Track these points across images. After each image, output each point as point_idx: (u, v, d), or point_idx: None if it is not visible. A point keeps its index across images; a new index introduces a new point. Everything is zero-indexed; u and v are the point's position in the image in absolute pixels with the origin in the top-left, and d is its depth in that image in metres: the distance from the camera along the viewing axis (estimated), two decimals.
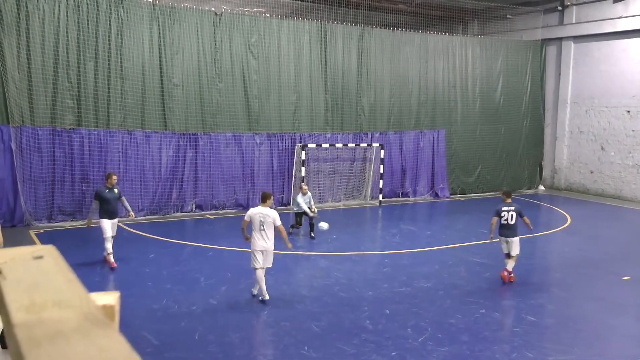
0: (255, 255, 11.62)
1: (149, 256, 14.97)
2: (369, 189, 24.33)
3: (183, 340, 9.91)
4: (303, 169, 21.95)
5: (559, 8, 29.25)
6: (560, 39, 29.65)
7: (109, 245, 13.86)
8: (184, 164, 20.69)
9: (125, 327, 10.10)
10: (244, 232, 11.94)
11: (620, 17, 26.92)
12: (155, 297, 12.09)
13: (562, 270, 15.58)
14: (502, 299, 12.87)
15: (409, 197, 25.58)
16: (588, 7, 28.41)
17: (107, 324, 1.13)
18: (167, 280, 13.25)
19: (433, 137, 26.10)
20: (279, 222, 11.68)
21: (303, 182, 20.17)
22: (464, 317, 11.46)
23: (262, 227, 11.51)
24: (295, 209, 18.32)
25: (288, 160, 21.95)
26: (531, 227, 14.46)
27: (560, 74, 29.92)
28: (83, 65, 18.79)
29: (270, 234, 11.62)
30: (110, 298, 1.47)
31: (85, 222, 13.90)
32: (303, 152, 22.04)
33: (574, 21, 29.00)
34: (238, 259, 15.08)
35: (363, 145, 24.04)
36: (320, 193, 23.08)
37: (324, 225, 16.53)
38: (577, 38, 29.02)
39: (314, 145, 22.62)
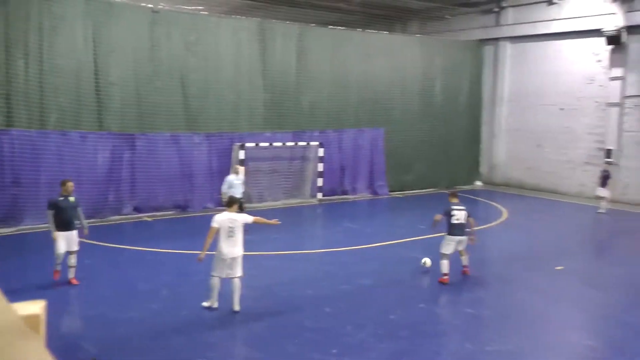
0: (217, 263, 11.04)
1: (84, 262, 14.55)
2: (309, 187, 24.32)
3: (122, 348, 9.68)
4: (242, 159, 21.72)
5: (496, 9, 29.92)
6: (497, 39, 30.33)
7: (59, 261, 12.77)
8: (121, 165, 20.08)
9: (59, 337, 9.89)
10: (208, 241, 10.99)
11: (554, 20, 27.77)
12: (93, 304, 11.75)
13: (499, 263, 15.92)
14: (441, 294, 13.04)
15: (348, 195, 25.68)
16: (524, 9, 29.16)
17: (31, 335, 1.09)
18: (105, 286, 12.90)
19: (372, 135, 26.26)
20: (251, 219, 11.33)
21: (238, 164, 20.10)
22: (404, 313, 11.58)
23: (231, 234, 11.01)
24: (226, 187, 17.89)
25: (227, 160, 21.67)
26: (474, 231, 14.19)
27: (497, 73, 30.63)
28: (13, 63, 18.05)
29: (240, 238, 11.15)
30: (35, 307, 1.42)
31: (52, 236, 12.83)
32: (242, 152, 21.87)
33: (510, 22, 29.72)
34: (178, 262, 14.91)
35: (302, 143, 24.00)
36: (259, 192, 22.95)
37: (427, 262, 14.64)
38: (514, 39, 29.76)
39: (253, 144, 22.48)
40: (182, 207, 21.34)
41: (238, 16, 22.61)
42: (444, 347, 9.99)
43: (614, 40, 25.26)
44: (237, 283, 11.13)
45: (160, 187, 20.89)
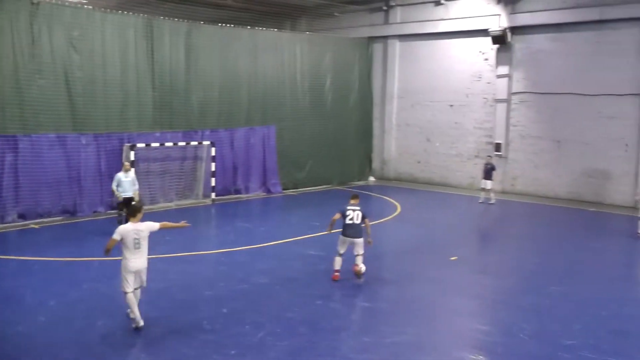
0: (127, 278, 10.40)
1: None
2: (201, 187, 24.04)
3: None
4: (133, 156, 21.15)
5: (385, 8, 30.65)
6: (386, 37, 31.10)
7: None
8: (3, 169, 19.01)
9: None
10: (109, 251, 10.33)
11: (442, 19, 28.80)
12: None
13: (394, 256, 16.35)
14: (338, 289, 13.21)
15: (241, 194, 25.58)
16: (411, 9, 30.06)
17: None
18: None
19: (264, 133, 26.26)
20: (157, 226, 10.68)
21: (127, 161, 19.78)
22: (302, 310, 11.69)
23: (137, 246, 10.37)
24: (114, 185, 18.06)
25: (117, 162, 20.98)
26: (370, 233, 13.76)
27: (387, 71, 31.39)
28: None
29: (146, 248, 10.55)
30: None
31: None
32: (132, 152, 21.35)
33: (398, 21, 30.54)
34: (68, 271, 14.41)
35: (194, 143, 23.67)
36: (151, 194, 22.46)
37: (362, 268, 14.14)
38: (402, 37, 30.62)
39: (143, 144, 21.98)
40: (71, 212, 20.54)
41: (124, 12, 21.91)
42: (342, 342, 10.17)
43: (499, 40, 26.58)
44: (137, 293, 10.69)
45: (46, 191, 19.95)
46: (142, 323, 10.43)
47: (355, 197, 14.17)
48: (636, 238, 18.80)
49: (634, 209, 22.32)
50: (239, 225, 20.46)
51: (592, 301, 12.75)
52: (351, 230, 13.64)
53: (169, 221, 11.37)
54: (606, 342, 10.49)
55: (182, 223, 11.36)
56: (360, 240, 13.68)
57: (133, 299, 10.45)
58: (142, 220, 10.67)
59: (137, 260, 10.41)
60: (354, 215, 13.65)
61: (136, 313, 10.42)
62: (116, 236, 10.32)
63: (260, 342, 10.06)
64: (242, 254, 16.22)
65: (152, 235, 10.64)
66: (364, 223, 13.70)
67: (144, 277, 10.70)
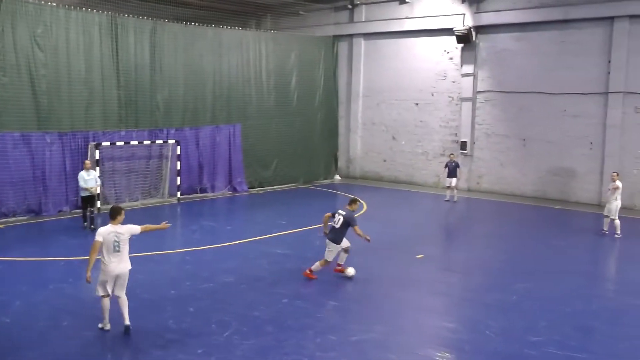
0: (105, 283, 10.08)
1: None
2: (167, 186, 23.80)
3: None
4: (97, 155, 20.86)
5: (349, 6, 30.69)
6: (351, 35, 31.15)
7: None
8: None
9: None
10: (92, 258, 9.95)
11: (407, 18, 28.92)
12: None
13: (361, 254, 16.28)
14: (304, 287, 13.19)
15: (207, 193, 25.39)
16: (376, 7, 30.15)
17: None
18: None
19: (229, 132, 26.11)
20: (138, 230, 10.39)
21: (88, 160, 19.60)
22: (268, 309, 11.64)
23: (117, 249, 10.07)
24: (82, 183, 18.09)
25: (82, 161, 20.57)
26: (362, 235, 13.44)
27: (352, 69, 31.43)
28: None
29: (126, 252, 10.24)
30: None
31: None
32: (97, 151, 21.03)
33: (363, 19, 30.60)
34: (33, 271, 14.15)
35: (159, 142, 23.46)
36: (116, 193, 22.18)
37: (350, 271, 13.99)
38: (367, 35, 30.68)
39: (108, 143, 21.68)
40: (36, 212, 20.25)
41: (88, 9, 21.57)
42: (309, 341, 10.12)
43: (464, 39, 26.77)
44: (124, 298, 10.30)
45: (10, 191, 19.66)
46: (109, 327, 10.25)
47: (352, 202, 13.95)
48: (602, 235, 19.05)
49: (598, 207, 22.69)
50: (205, 224, 20.31)
51: (558, 298, 12.90)
52: (331, 234, 13.65)
53: (147, 224, 11.15)
54: (571, 338, 10.62)
55: (164, 224, 11.11)
56: (333, 246, 13.54)
57: (107, 305, 10.22)
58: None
59: (117, 264, 10.09)
60: (337, 219, 13.57)
61: (106, 318, 10.25)
62: (98, 237, 10.04)
63: (226, 341, 9.99)
64: (208, 253, 16.09)
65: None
66: (353, 230, 13.40)
67: (125, 281, 10.30)
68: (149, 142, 23.09)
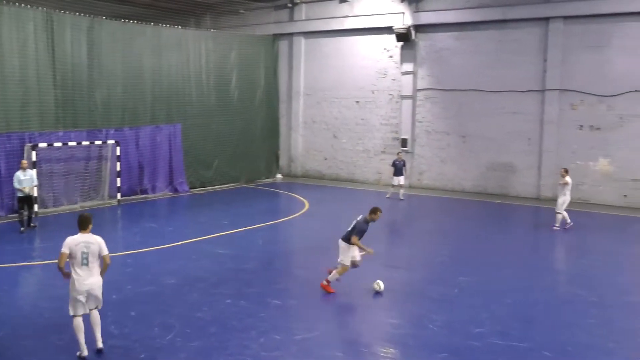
0: (76, 300, 9.20)
1: None
2: (107, 188, 23.29)
3: None
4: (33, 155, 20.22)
5: (289, 5, 30.64)
6: (292, 34, 31.13)
7: None
8: None
9: None
10: (62, 269, 9.20)
11: (347, 16, 29.03)
12: None
13: (303, 253, 16.34)
14: (247, 287, 13.05)
15: (148, 194, 24.98)
16: (316, 6, 30.19)
17: None
18: None
19: (170, 132, 25.73)
20: (105, 251, 9.41)
21: (24, 159, 19.14)
22: (211, 309, 11.51)
23: (85, 262, 9.15)
24: (16, 184, 17.79)
25: (18, 163, 19.83)
26: (362, 247, 12.88)
27: (292, 68, 31.38)
28: None
29: (96, 266, 9.32)
30: None
31: None
32: (34, 153, 20.40)
33: (303, 18, 30.58)
34: None
35: (98, 142, 22.93)
36: (55, 195, 21.59)
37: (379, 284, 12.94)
38: (308, 34, 30.69)
39: (45, 144, 21.06)
40: None
41: (22, 5, 20.90)
42: (252, 341, 10.02)
43: (403, 37, 27.05)
44: (96, 315, 9.45)
45: None
46: (86, 352, 9.18)
47: (371, 211, 13.02)
48: (552, 230, 19.43)
49: (537, 200, 23.24)
50: (146, 226, 19.99)
51: (500, 290, 13.14)
52: (345, 235, 13.03)
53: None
54: (513, 328, 10.83)
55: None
56: (345, 245, 12.93)
57: (80, 325, 9.24)
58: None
59: (87, 279, 9.19)
60: (352, 223, 13.02)
61: (81, 341, 9.21)
62: (64, 249, 9.16)
63: (169, 344, 9.83)
64: (149, 255, 15.82)
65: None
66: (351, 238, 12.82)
67: (96, 298, 9.41)
68: (87, 142, 22.52)
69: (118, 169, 23.22)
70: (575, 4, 24.02)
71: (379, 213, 12.99)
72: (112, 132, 23.51)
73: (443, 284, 13.50)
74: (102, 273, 9.49)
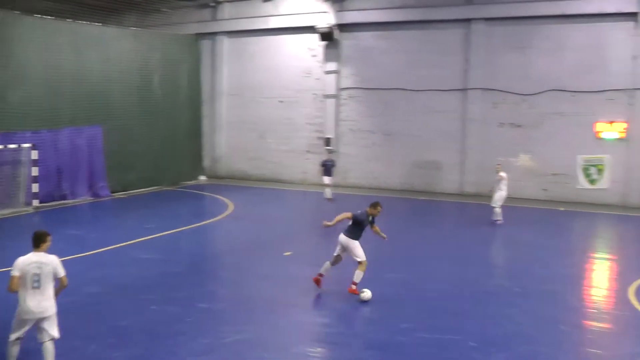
0: (21, 324, 8.40)
1: None
2: (23, 194, 22.31)
3: None
4: None
5: (212, 4, 30.29)
6: (215, 33, 30.83)
7: None
8: None
9: None
10: (15, 292, 8.36)
11: (271, 16, 28.89)
12: None
13: (229, 254, 16.13)
14: (173, 292, 12.71)
15: (67, 199, 24.07)
16: (240, 5, 29.99)
17: None
18: None
19: (90, 134, 24.90)
20: (62, 273, 8.56)
21: None
22: (137, 317, 11.17)
23: (36, 284, 8.25)
24: None
25: None
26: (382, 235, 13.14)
27: (215, 68, 31.03)
28: None
29: (50, 289, 8.45)
30: None
31: None
32: None
33: (227, 17, 30.28)
34: None
35: (12, 146, 21.95)
36: None
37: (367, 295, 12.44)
38: (231, 33, 30.44)
39: None
40: None
41: None
42: (180, 346, 9.76)
43: (326, 36, 27.15)
44: (49, 348, 8.54)
45: None
46: None
47: (371, 205, 13.06)
48: (493, 224, 19.83)
49: (461, 196, 23.68)
50: (67, 233, 19.22)
51: (426, 285, 13.38)
52: (348, 233, 13.09)
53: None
54: (441, 321, 11.04)
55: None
56: (353, 243, 12.95)
57: (14, 353, 8.48)
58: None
59: (36, 303, 8.31)
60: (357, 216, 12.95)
61: None
62: (15, 272, 8.24)
63: (94, 355, 9.48)
64: (71, 264, 15.09)
65: None
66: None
67: (52, 326, 8.56)
68: (1, 146, 21.52)
69: (35, 174, 22.27)
70: (497, 7, 24.66)
71: (379, 207, 12.93)
72: (28, 134, 22.53)
73: (370, 281, 13.44)
74: (56, 294, 8.64)
